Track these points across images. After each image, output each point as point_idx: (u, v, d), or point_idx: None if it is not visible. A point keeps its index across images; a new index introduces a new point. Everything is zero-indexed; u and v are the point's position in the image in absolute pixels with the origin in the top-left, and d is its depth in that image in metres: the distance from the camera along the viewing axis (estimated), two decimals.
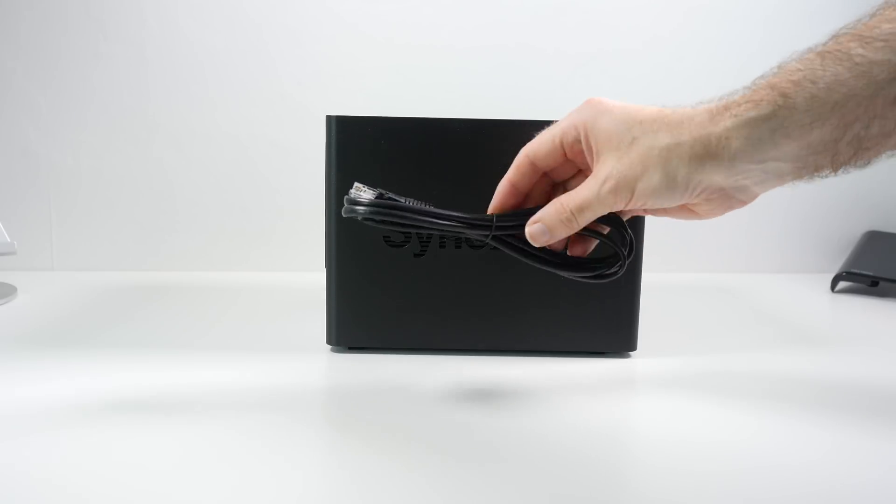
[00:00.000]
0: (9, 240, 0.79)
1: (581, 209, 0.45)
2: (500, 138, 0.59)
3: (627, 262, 0.48)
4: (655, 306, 0.77)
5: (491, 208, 0.49)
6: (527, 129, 0.58)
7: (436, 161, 0.59)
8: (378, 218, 0.45)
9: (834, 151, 0.39)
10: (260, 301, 0.81)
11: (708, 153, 0.41)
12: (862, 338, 0.71)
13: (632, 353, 0.62)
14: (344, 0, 0.94)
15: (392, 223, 0.45)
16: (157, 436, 0.45)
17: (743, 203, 0.45)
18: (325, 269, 0.61)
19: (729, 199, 0.44)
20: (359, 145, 0.59)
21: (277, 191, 0.97)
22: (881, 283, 0.89)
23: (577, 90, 0.96)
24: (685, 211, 0.46)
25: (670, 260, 1.00)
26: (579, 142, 0.46)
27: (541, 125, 0.58)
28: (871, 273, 0.88)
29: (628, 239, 0.48)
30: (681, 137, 0.42)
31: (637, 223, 0.59)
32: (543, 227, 0.46)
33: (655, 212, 0.47)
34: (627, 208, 0.45)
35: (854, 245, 0.99)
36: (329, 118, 0.59)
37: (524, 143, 0.59)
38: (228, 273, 0.96)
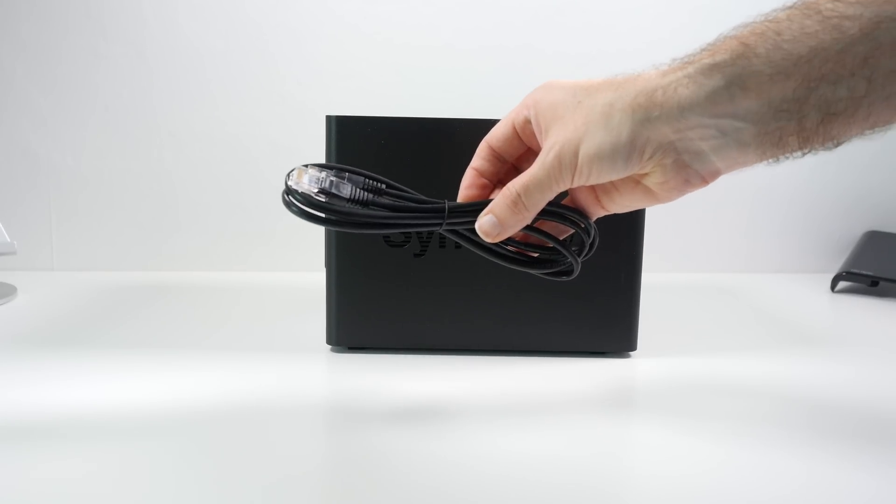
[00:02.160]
0: (9, 240, 0.79)
1: (527, 188, 0.41)
2: None
3: (585, 256, 0.45)
4: (655, 306, 0.77)
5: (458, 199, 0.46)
6: None
7: (436, 161, 0.59)
8: (313, 222, 0.41)
9: (800, 115, 0.36)
10: (260, 301, 0.81)
11: (653, 103, 0.38)
12: (862, 338, 0.71)
13: (632, 353, 0.62)
14: (344, 0, 0.94)
15: (332, 225, 0.41)
16: (158, 436, 0.45)
17: (702, 180, 0.39)
18: (325, 269, 0.61)
19: (684, 168, 0.39)
20: (359, 145, 0.59)
21: (278, 190, 0.96)
22: (881, 283, 0.88)
23: None
24: (640, 189, 0.41)
25: (670, 260, 1.00)
26: (530, 123, 0.43)
27: None
28: (871, 273, 0.88)
29: (591, 233, 0.44)
30: (624, 92, 0.39)
31: (637, 223, 0.59)
32: (493, 218, 0.42)
33: (609, 193, 0.43)
34: (576, 182, 0.40)
35: (854, 245, 0.99)
36: (329, 118, 0.59)
37: None
38: (229, 273, 0.96)
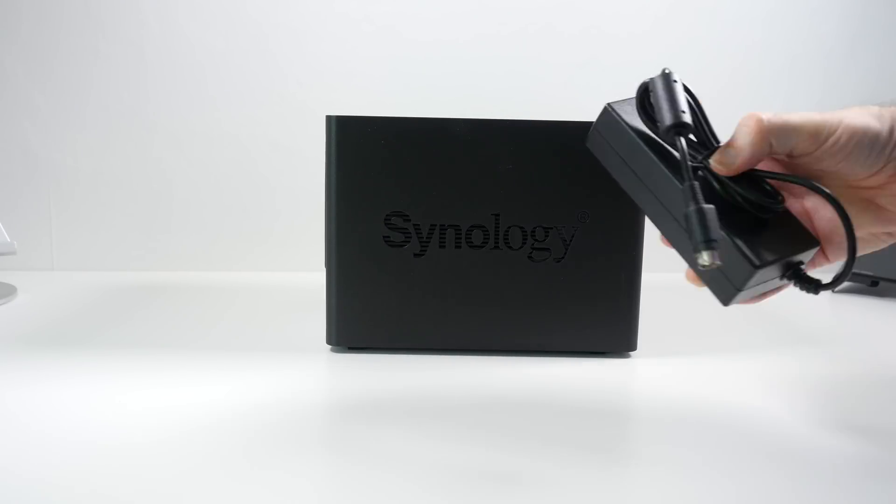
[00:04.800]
0: (9, 240, 0.79)
1: (782, 120, 0.41)
2: (500, 138, 0.59)
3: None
4: (655, 306, 0.77)
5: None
6: (527, 129, 0.59)
7: (436, 161, 0.59)
8: None
9: None
10: (260, 301, 0.81)
11: None
12: (862, 338, 0.71)
13: (632, 353, 0.62)
14: (345, 0, 0.94)
15: None
16: (157, 436, 0.45)
17: None
18: (325, 269, 0.61)
19: None
20: (359, 145, 0.59)
21: (277, 191, 0.97)
22: (881, 283, 0.88)
23: (577, 89, 0.96)
24: (871, 208, 0.43)
25: (670, 260, 1.00)
26: None
27: (541, 125, 0.59)
28: (871, 273, 0.88)
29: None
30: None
31: (637, 224, 0.59)
32: (729, 149, 0.42)
33: (845, 196, 0.42)
34: (826, 144, 0.41)
35: None
36: (329, 118, 0.59)
37: (523, 143, 0.59)
38: (228, 273, 0.96)
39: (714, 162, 0.42)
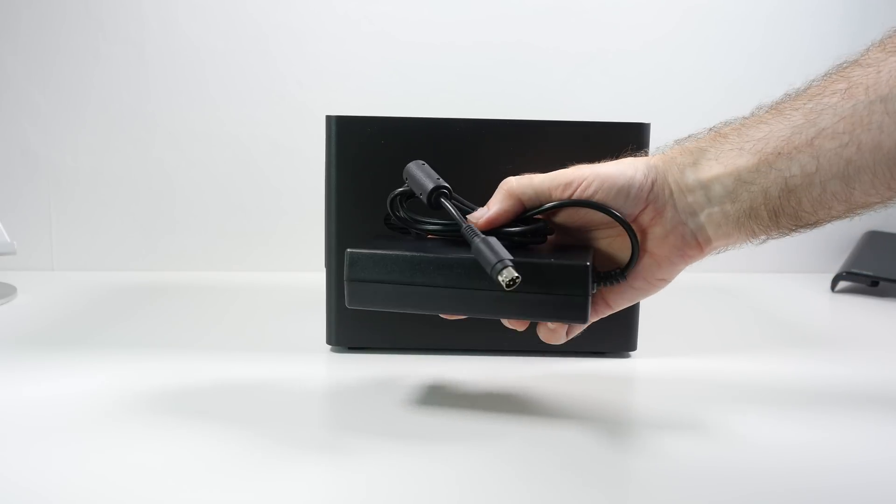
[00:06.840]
0: (9, 240, 0.79)
1: (528, 180, 0.47)
2: (500, 138, 0.59)
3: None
4: (655, 306, 0.77)
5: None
6: (527, 129, 0.59)
7: (436, 161, 0.59)
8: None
9: (763, 186, 0.42)
10: (260, 301, 0.81)
11: (657, 160, 0.46)
12: (862, 338, 0.71)
13: (632, 353, 0.62)
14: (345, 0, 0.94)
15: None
16: (157, 436, 0.45)
17: (699, 247, 0.46)
18: (325, 269, 0.61)
19: (681, 226, 0.46)
20: (359, 145, 0.59)
21: (277, 191, 0.97)
22: (881, 283, 0.88)
23: (577, 89, 0.96)
24: (642, 255, 0.47)
25: None
26: None
27: (541, 125, 0.59)
28: (871, 273, 0.88)
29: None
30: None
31: None
32: (483, 207, 0.47)
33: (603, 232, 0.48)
34: (581, 188, 0.45)
35: (854, 245, 0.99)
36: (329, 118, 0.59)
37: (523, 143, 0.59)
38: (228, 273, 0.96)
39: (471, 218, 0.47)
